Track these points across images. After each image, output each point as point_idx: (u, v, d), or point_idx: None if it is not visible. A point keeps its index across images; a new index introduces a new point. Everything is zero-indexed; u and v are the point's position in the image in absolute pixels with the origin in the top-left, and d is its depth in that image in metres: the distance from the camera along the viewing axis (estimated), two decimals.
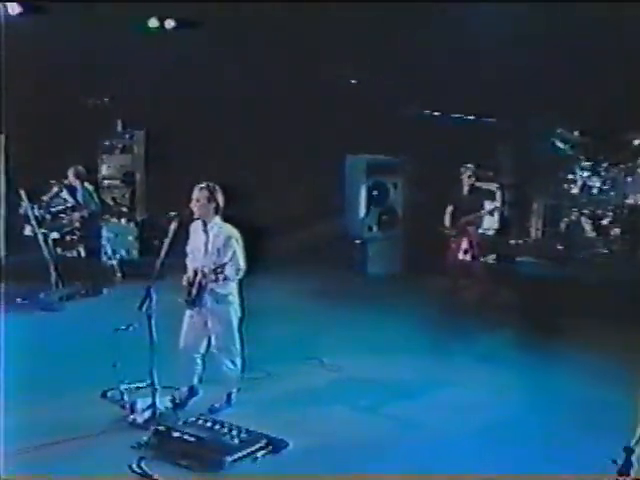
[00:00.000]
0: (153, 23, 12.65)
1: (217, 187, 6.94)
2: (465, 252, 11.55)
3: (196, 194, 6.89)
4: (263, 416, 6.99)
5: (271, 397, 7.56)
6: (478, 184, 11.62)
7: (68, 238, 11.00)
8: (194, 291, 6.92)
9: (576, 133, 11.99)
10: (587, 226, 11.58)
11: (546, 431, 7.01)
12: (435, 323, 10.30)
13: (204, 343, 7.16)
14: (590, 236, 11.69)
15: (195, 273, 6.95)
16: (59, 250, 10.82)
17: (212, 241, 6.89)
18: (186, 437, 6.24)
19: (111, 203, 12.41)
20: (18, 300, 10.32)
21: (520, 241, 12.15)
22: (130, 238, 12.41)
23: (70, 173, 11.14)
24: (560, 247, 11.91)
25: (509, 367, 8.70)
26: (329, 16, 12.38)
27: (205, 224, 6.94)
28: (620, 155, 11.64)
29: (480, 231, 11.84)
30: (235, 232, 6.95)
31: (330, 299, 11.47)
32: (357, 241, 13.02)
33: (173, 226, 6.78)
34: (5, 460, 5.99)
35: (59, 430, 6.63)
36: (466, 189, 11.38)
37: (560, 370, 8.66)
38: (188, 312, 7.08)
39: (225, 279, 6.84)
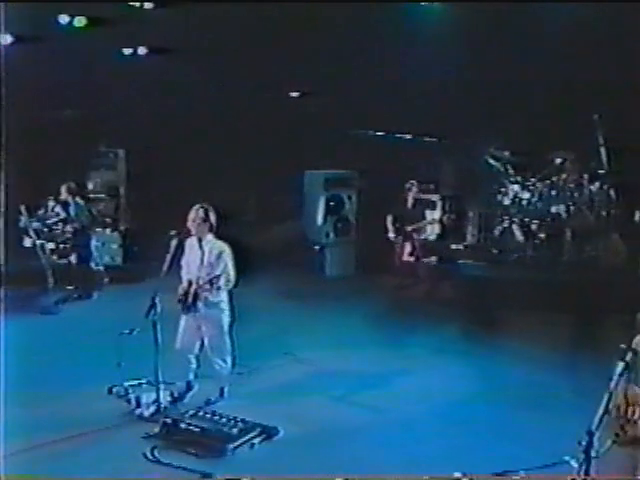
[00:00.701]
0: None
1: (211, 208, 7.05)
2: (410, 255, 11.84)
3: (192, 215, 7.00)
4: (252, 407, 7.07)
5: (256, 390, 7.65)
6: (422, 196, 11.90)
7: (61, 247, 10.92)
8: (190, 299, 7.02)
9: (506, 153, 12.22)
10: (517, 232, 11.77)
11: (493, 412, 7.27)
12: (389, 318, 10.54)
13: (198, 344, 7.27)
14: (520, 241, 11.89)
15: (189, 283, 7.07)
16: (54, 258, 10.73)
17: (207, 256, 6.99)
18: (192, 428, 6.36)
19: (97, 215, 12.28)
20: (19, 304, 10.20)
21: (460, 246, 12.35)
22: (114, 246, 12.35)
23: (63, 189, 11.07)
24: (495, 251, 12.13)
25: (457, 357, 8.88)
26: (289, 37, 12.54)
27: (200, 240, 7.05)
28: (545, 172, 11.89)
29: (423, 237, 12.08)
30: (226, 247, 7.07)
31: (295, 299, 11.47)
32: (316, 247, 13.09)
33: (174, 242, 6.90)
34: (18, 456, 6.01)
35: (72, 425, 6.65)
36: (411, 201, 11.65)
37: (500, 358, 8.87)
38: (184, 317, 7.17)
39: (218, 289, 6.96)
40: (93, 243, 11.41)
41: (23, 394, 7.05)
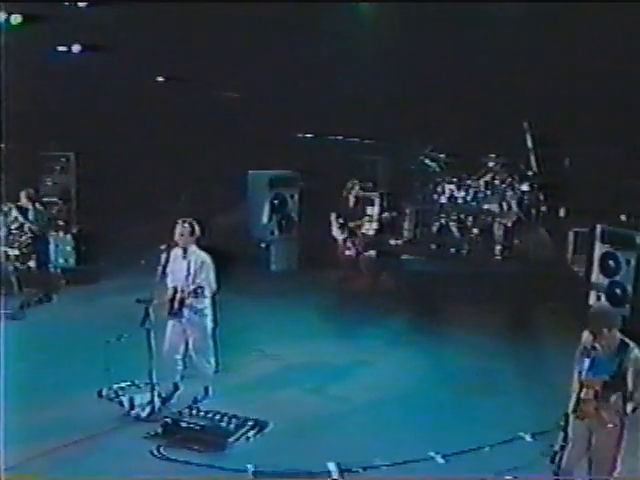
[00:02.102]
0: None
1: (195, 222, 7.63)
2: (350, 249, 12.67)
3: (179, 229, 7.56)
4: (235, 403, 7.66)
5: (235, 386, 8.21)
6: (363, 194, 12.70)
7: (23, 252, 11.17)
8: (176, 305, 7.57)
9: (442, 155, 13.12)
10: (454, 229, 12.77)
11: (446, 395, 8.19)
12: (340, 311, 11.22)
13: (183, 347, 7.82)
14: (456, 236, 12.88)
15: (175, 290, 7.62)
16: (17, 264, 11.00)
17: (192, 265, 7.57)
18: (192, 426, 6.97)
19: (51, 218, 12.54)
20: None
21: (399, 241, 13.21)
22: (68, 248, 12.58)
23: (22, 195, 11.31)
24: (433, 246, 13.08)
25: (408, 347, 9.70)
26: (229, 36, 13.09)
27: (185, 251, 7.60)
28: (478, 173, 12.91)
29: (363, 232, 12.87)
30: (208, 258, 7.64)
31: (245, 295, 11.72)
32: (262, 244, 13.57)
33: (164, 255, 7.45)
34: (22, 466, 6.37)
35: (69, 430, 7.04)
36: (352, 199, 12.45)
37: (446, 347, 9.75)
38: (170, 322, 7.70)
39: (202, 296, 7.56)
40: (52, 247, 11.71)
41: (12, 402, 7.32)
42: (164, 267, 7.43)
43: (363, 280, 12.69)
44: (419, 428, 7.39)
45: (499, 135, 12.31)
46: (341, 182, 13.62)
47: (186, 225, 7.54)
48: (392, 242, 13.15)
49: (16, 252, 10.80)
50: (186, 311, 7.58)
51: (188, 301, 7.50)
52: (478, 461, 6.73)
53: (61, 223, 12.49)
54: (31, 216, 11.25)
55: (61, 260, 12.48)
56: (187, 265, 7.57)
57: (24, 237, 11.14)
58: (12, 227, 11.00)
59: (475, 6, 12.12)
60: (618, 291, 10.36)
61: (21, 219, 11.23)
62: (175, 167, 14.20)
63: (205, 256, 7.62)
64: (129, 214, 13.97)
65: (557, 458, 5.19)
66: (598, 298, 10.63)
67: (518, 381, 8.64)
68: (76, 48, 13.46)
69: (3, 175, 11.16)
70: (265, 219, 13.63)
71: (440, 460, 6.73)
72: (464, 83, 11.77)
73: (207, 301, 7.68)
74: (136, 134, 13.87)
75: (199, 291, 7.40)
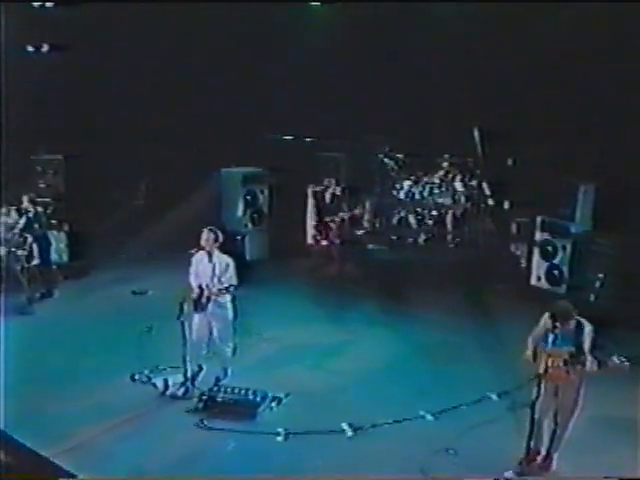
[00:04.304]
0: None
1: (218, 230, 9.09)
2: (325, 240, 14.29)
3: (205, 236, 8.97)
4: (251, 380, 9.13)
5: (245, 366, 9.55)
6: (339, 192, 14.25)
7: (28, 252, 12.29)
8: (204, 300, 9.01)
9: (400, 155, 14.70)
10: (412, 221, 14.41)
11: (420, 364, 9.93)
12: (316, 296, 12.69)
13: (208, 335, 9.21)
14: (414, 228, 14.45)
15: (200, 288, 9.05)
16: (25, 263, 12.15)
17: (217, 267, 9.01)
18: (226, 400, 8.50)
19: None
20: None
21: (362, 231, 14.78)
22: (62, 245, 13.77)
23: (25, 199, 12.42)
24: (393, 237, 14.62)
25: (384, 327, 11.21)
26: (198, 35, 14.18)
27: (210, 255, 9.03)
28: (433, 171, 14.54)
29: (334, 225, 14.42)
30: (230, 260, 9.04)
31: None
32: (237, 237, 14.65)
33: (194, 258, 8.91)
34: (81, 450, 7.62)
35: (111, 413, 8.36)
36: (328, 196, 14.04)
37: (416, 325, 11.34)
38: (197, 315, 9.12)
39: (228, 293, 9.03)
40: (53, 246, 12.91)
41: (50, 392, 8.72)
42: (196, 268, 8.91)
43: (332, 268, 14.28)
44: (405, 392, 9.07)
45: (451, 137, 13.88)
46: (307, 178, 15.14)
47: (211, 233, 8.98)
48: (357, 232, 14.65)
49: (25, 252, 11.92)
50: (211, 305, 9.00)
51: (213, 297, 8.95)
52: (459, 417, 8.46)
53: (54, 222, 13.57)
54: (33, 218, 12.36)
55: (56, 256, 13.64)
56: (212, 267, 8.97)
57: (29, 238, 12.25)
58: (16, 229, 12.08)
59: (428, 8, 13.39)
60: (556, 273, 12.36)
61: (24, 221, 12.33)
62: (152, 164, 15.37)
63: (228, 259, 9.03)
64: (113, 211, 15.28)
65: (531, 408, 6.95)
66: (538, 279, 12.62)
67: (477, 350, 10.36)
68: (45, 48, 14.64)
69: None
70: (239, 213, 14.97)
71: (429, 417, 8.45)
72: (420, 89, 13.29)
73: (228, 296, 9.13)
74: (117, 135, 15.01)
75: (230, 289, 8.86)
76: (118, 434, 8.04)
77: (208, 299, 8.97)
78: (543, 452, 7.38)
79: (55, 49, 14.72)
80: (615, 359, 6.78)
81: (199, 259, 9.14)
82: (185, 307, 8.74)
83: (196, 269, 9.14)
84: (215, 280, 8.97)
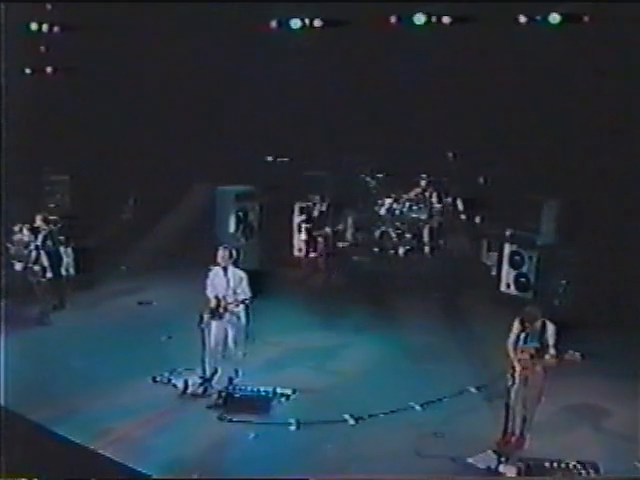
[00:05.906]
0: None
1: (233, 248, 10.44)
2: (313, 252, 15.66)
3: (221, 253, 10.29)
4: (261, 380, 10.47)
5: (253, 368, 10.77)
6: (325, 209, 15.60)
7: (41, 267, 13.47)
8: (221, 311, 10.30)
9: (380, 175, 15.93)
10: (393, 235, 15.71)
11: (407, 363, 11.32)
12: (307, 305, 13.98)
13: (223, 340, 10.45)
14: (395, 241, 15.60)
15: (217, 299, 10.34)
16: (40, 278, 13.33)
17: (232, 281, 10.32)
18: (242, 397, 9.85)
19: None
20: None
21: (346, 244, 16.15)
22: (69, 260, 14.98)
23: (38, 219, 13.60)
24: (376, 249, 15.84)
25: (372, 332, 12.55)
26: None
27: (225, 270, 10.33)
28: (412, 189, 15.88)
29: (321, 239, 15.76)
30: (244, 274, 10.31)
31: None
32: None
33: (211, 272, 10.25)
34: (113, 446, 8.69)
35: (137, 411, 9.55)
36: (317, 212, 15.46)
37: (400, 329, 12.72)
38: (214, 323, 10.35)
39: (243, 305, 10.34)
40: (64, 261, 14.14)
41: (81, 394, 9.86)
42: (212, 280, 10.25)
43: (319, 278, 15.64)
44: (395, 387, 10.47)
45: (427, 158, 15.25)
46: (295, 196, 16.50)
47: (226, 250, 10.33)
48: (340, 245, 16.01)
49: (37, 267, 13.11)
50: (227, 314, 10.31)
51: (229, 307, 10.29)
52: (443, 408, 9.93)
53: (61, 238, 14.77)
54: (47, 236, 13.52)
55: (63, 270, 14.83)
56: (227, 280, 10.26)
57: (42, 255, 13.42)
58: (32, 245, 13.26)
59: (410, 33, 14.46)
60: (523, 280, 13.92)
61: (41, 239, 13.50)
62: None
63: (241, 273, 10.30)
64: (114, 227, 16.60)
65: (506, 396, 8.48)
66: (507, 286, 14.16)
67: (456, 350, 11.79)
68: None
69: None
70: (232, 228, 16.29)
71: (418, 408, 9.87)
72: (401, 114, 14.67)
73: (242, 306, 10.41)
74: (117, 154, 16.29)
75: (247, 302, 10.21)
76: (152, 428, 9.28)
77: (225, 309, 10.27)
78: (517, 433, 8.87)
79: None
80: (570, 353, 8.41)
81: (215, 273, 10.42)
82: (204, 317, 10.01)
83: (212, 282, 10.42)
84: (230, 292, 10.27)
